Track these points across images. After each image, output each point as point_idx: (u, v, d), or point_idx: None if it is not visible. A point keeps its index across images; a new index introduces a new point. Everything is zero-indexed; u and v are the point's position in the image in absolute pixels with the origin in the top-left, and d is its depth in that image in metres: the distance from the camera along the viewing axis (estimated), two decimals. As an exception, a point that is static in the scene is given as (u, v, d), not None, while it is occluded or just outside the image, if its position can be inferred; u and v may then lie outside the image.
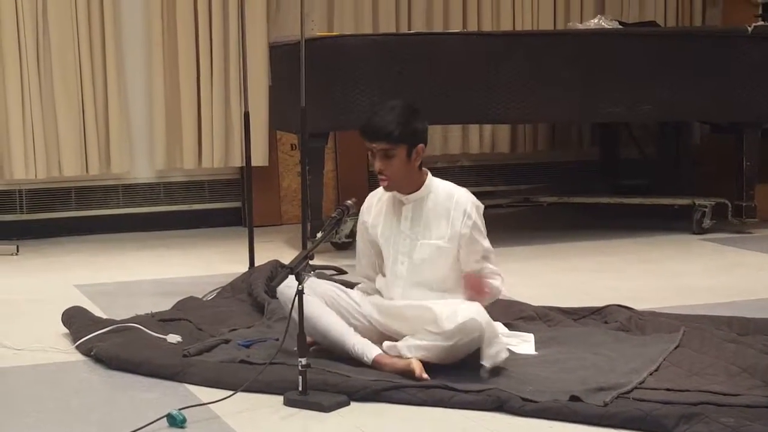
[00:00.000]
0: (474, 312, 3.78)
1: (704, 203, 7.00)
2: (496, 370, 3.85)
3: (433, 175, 4.10)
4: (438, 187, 4.07)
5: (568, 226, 7.37)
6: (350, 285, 4.41)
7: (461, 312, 3.78)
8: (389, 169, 3.95)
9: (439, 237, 4.02)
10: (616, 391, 3.57)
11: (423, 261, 4.03)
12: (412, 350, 3.83)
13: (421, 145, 3.98)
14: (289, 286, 3.81)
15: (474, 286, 3.97)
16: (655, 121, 7.97)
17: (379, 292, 4.16)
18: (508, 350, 4.11)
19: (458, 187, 4.11)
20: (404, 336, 3.91)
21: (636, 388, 3.63)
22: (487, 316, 3.84)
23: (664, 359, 3.96)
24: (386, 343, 3.94)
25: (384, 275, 4.14)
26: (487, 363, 3.79)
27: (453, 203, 4.02)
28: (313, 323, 3.92)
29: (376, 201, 4.14)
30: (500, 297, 4.16)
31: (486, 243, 4.07)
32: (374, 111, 4.05)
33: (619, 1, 8.39)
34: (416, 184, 4.04)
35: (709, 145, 8.06)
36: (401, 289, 4.05)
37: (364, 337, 3.99)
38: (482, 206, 4.09)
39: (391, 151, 3.92)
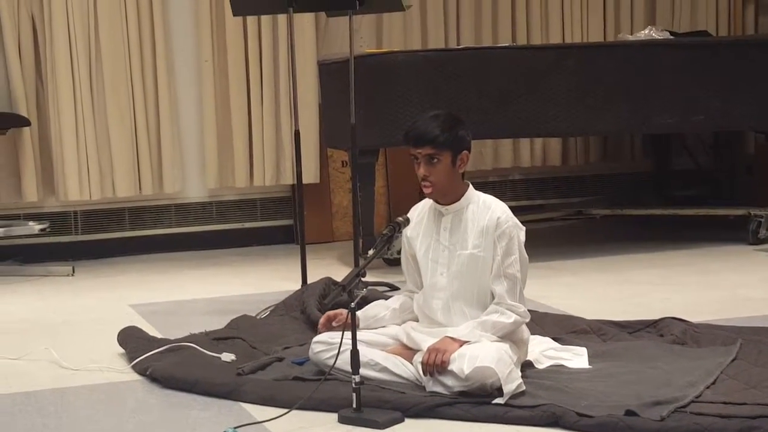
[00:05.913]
0: (492, 359, 3.71)
1: (760, 213, 6.91)
2: (550, 386, 3.82)
3: (485, 190, 4.08)
4: (479, 199, 4.02)
5: (622, 239, 7.32)
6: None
7: (480, 357, 3.72)
8: (434, 175, 3.92)
9: (475, 246, 3.96)
10: (673, 405, 3.53)
11: (461, 272, 3.98)
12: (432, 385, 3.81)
13: (465, 152, 3.96)
14: (316, 352, 4.02)
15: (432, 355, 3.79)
16: (708, 132, 7.90)
17: (415, 316, 4.14)
18: (562, 365, 4.11)
19: (498, 200, 4.04)
20: None
21: (693, 401, 3.59)
22: (503, 354, 3.77)
23: (722, 372, 3.92)
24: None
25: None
26: (504, 400, 3.68)
27: (490, 213, 3.96)
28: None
29: (416, 214, 4.10)
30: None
31: (509, 262, 3.90)
32: (417, 118, 4.02)
33: (670, 11, 8.32)
34: (457, 195, 4.00)
35: (763, 155, 7.97)
36: (441, 301, 4.02)
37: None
38: (522, 228, 3.98)
39: (436, 156, 3.89)
